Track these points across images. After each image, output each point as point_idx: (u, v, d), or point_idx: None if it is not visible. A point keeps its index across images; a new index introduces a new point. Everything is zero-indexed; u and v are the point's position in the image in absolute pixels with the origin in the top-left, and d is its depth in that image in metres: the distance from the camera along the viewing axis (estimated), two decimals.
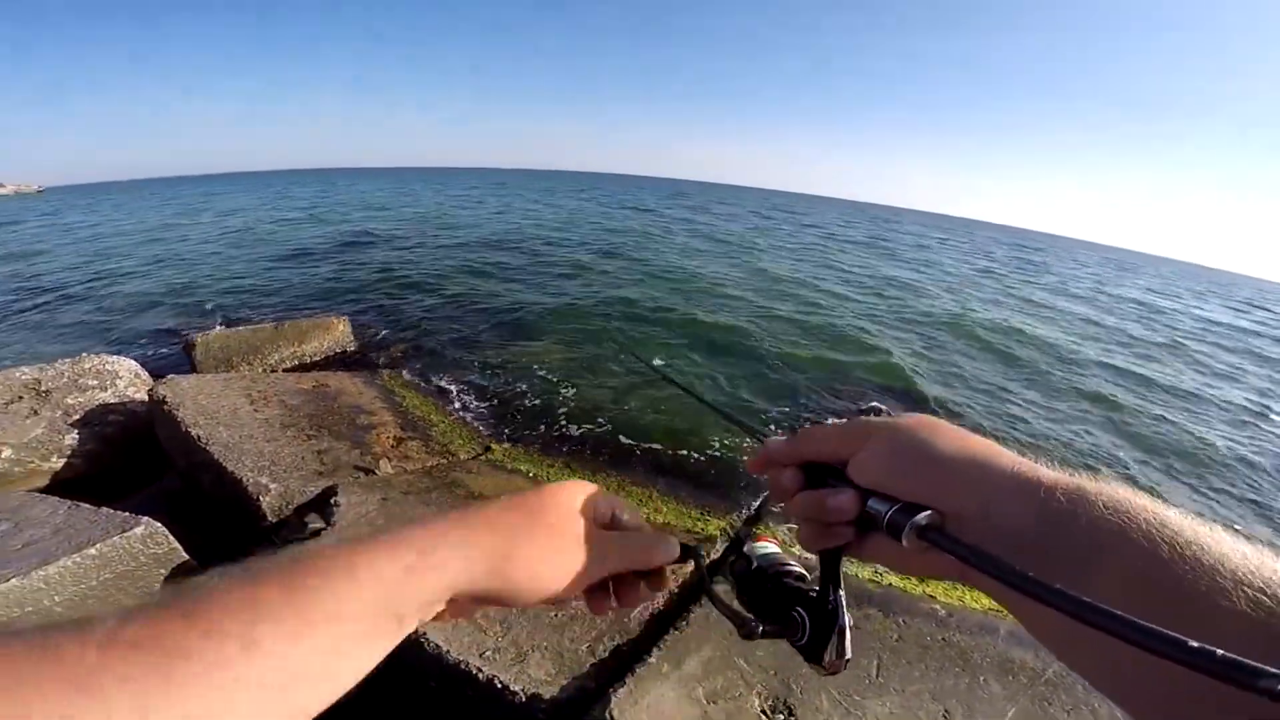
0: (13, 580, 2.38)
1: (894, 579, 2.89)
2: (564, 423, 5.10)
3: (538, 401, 5.47)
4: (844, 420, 0.49)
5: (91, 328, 8.55)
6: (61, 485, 3.68)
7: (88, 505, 2.89)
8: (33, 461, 3.74)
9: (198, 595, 0.33)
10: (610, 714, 1.81)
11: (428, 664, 2.13)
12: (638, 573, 0.54)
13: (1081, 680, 0.39)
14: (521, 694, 1.98)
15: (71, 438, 3.80)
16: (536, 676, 2.02)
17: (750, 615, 0.57)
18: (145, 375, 4.50)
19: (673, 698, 1.91)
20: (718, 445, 4.88)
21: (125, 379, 4.29)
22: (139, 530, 2.60)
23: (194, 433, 3.20)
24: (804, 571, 0.60)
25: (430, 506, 2.97)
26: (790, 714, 1.90)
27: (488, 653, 2.10)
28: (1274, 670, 0.22)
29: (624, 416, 5.30)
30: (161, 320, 8.49)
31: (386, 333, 7.37)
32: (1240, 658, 0.23)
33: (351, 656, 0.36)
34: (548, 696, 1.96)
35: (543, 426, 5.02)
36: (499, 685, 2.00)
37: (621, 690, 1.91)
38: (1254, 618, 0.28)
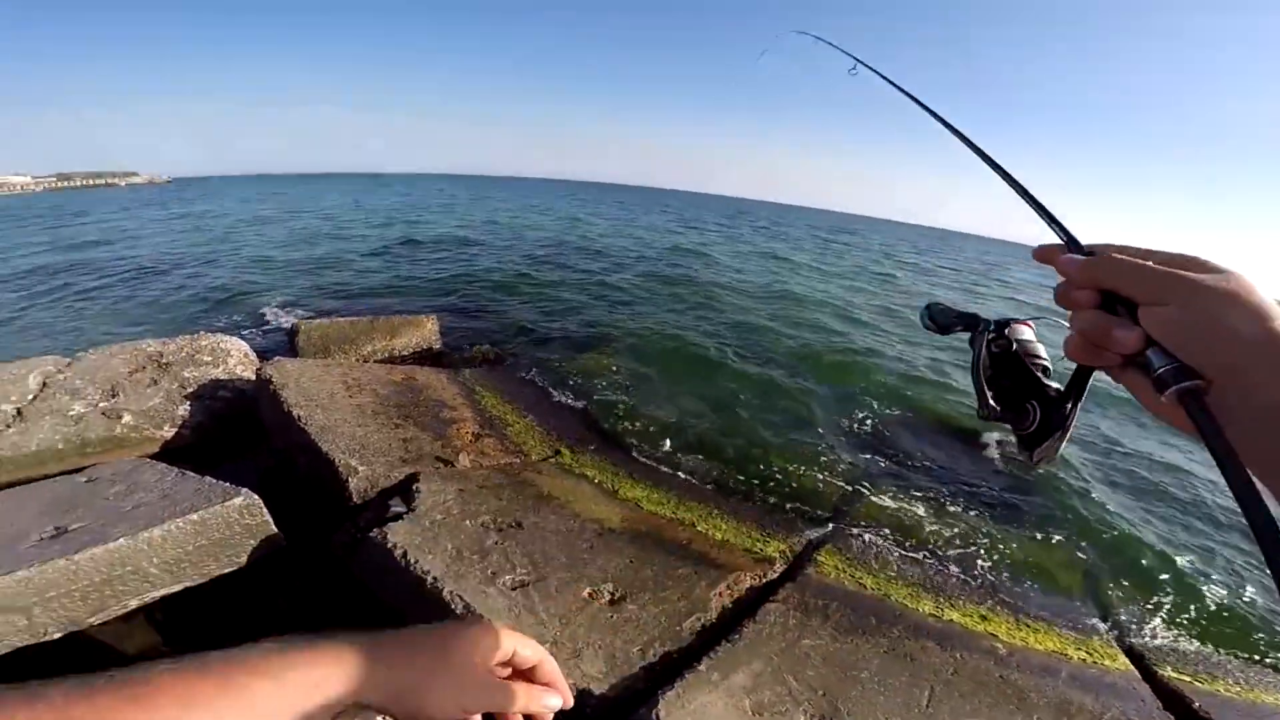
0: (121, 540, 2.55)
1: (955, 615, 2.84)
2: (632, 433, 5.17)
3: (608, 411, 5.56)
4: (1149, 262, 0.47)
5: (205, 307, 9.26)
6: (170, 453, 3.92)
7: (193, 473, 3.06)
8: (148, 429, 4.03)
9: (145, 679, 0.40)
10: (657, 714, 1.85)
11: None
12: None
13: None
14: (573, 688, 1.95)
15: (184, 409, 4.07)
16: (588, 672, 2.07)
17: (990, 397, 0.66)
18: (253, 356, 4.78)
19: (720, 705, 1.93)
20: (783, 469, 4.84)
21: (235, 358, 4.58)
22: (238, 500, 2.73)
23: (295, 413, 3.37)
24: (1050, 365, 0.65)
25: (501, 501, 3.05)
26: None
27: (547, 644, 2.05)
28: None
29: (691, 432, 5.33)
30: (269, 305, 9.08)
31: (471, 334, 7.70)
32: None
33: None
34: (597, 693, 2.00)
35: (611, 435, 5.09)
36: None
37: (669, 693, 1.94)
38: None
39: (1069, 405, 0.55)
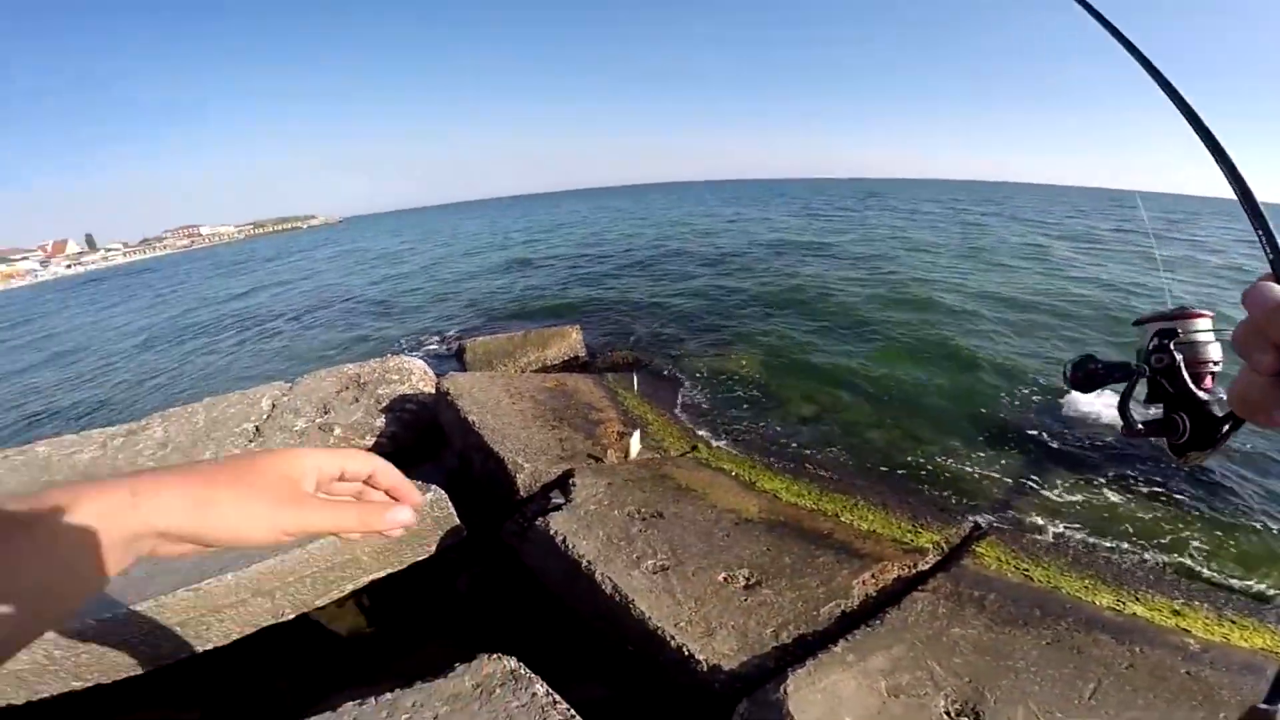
0: None
1: (1140, 609, 2.63)
2: (769, 428, 5.30)
3: (743, 407, 5.73)
4: None
5: (384, 333, 10.59)
6: None
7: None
8: (354, 439, 4.77)
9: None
10: (785, 689, 1.90)
11: (630, 628, 2.31)
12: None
13: None
14: (704, 664, 2.15)
15: (380, 421, 4.77)
16: (720, 650, 2.17)
17: (1132, 421, 0.65)
18: (431, 373, 5.47)
19: (852, 685, 1.95)
20: (935, 462, 4.71)
21: (417, 375, 5.27)
22: (429, 495, 3.17)
23: (470, 419, 3.84)
24: (1219, 367, 0.62)
25: (645, 493, 3.26)
26: (977, 718, 1.87)
27: (682, 623, 2.22)
28: None
29: (830, 427, 5.36)
30: (437, 325, 10.22)
31: (610, 340, 8.24)
32: None
33: (81, 572, 0.42)
34: (727, 669, 2.10)
35: (747, 430, 5.22)
36: (686, 653, 2.18)
37: (800, 670, 1.99)
38: None
39: (1225, 429, 0.53)
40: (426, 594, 3.37)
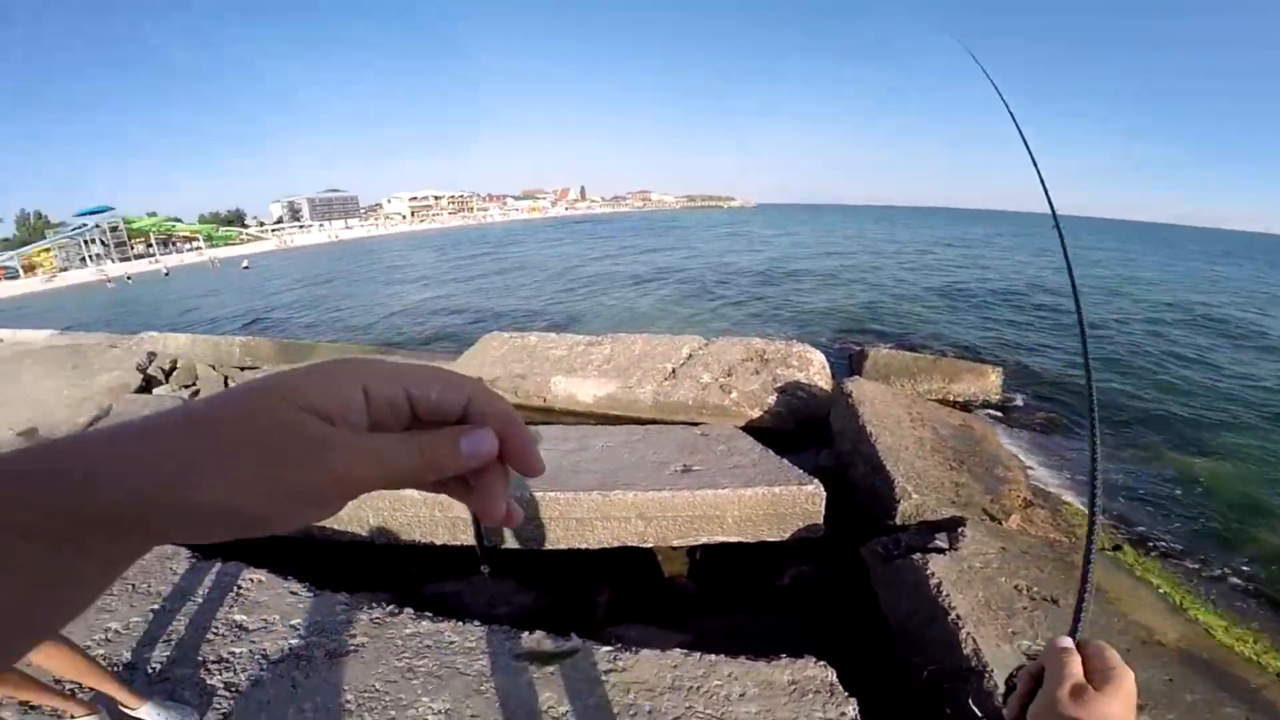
0: (725, 489, 3.21)
1: None
2: (1226, 553, 4.16)
3: (1200, 521, 4.52)
4: None
5: (780, 316, 10.97)
6: (752, 430, 4.79)
7: (773, 452, 3.68)
8: (744, 407, 5.07)
9: None
10: None
11: (972, 695, 1.91)
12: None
13: None
14: None
15: (771, 398, 4.96)
16: None
17: None
18: (828, 369, 5.45)
19: None
20: None
21: (815, 367, 5.32)
22: (809, 488, 3.16)
23: (868, 428, 3.69)
24: None
25: (1041, 573, 2.82)
26: None
27: None
28: None
29: None
30: (839, 325, 10.16)
31: (1035, 394, 7.03)
32: None
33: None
34: None
35: (1194, 548, 4.21)
36: None
37: None
38: None
39: None
40: (749, 571, 3.43)
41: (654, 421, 5.04)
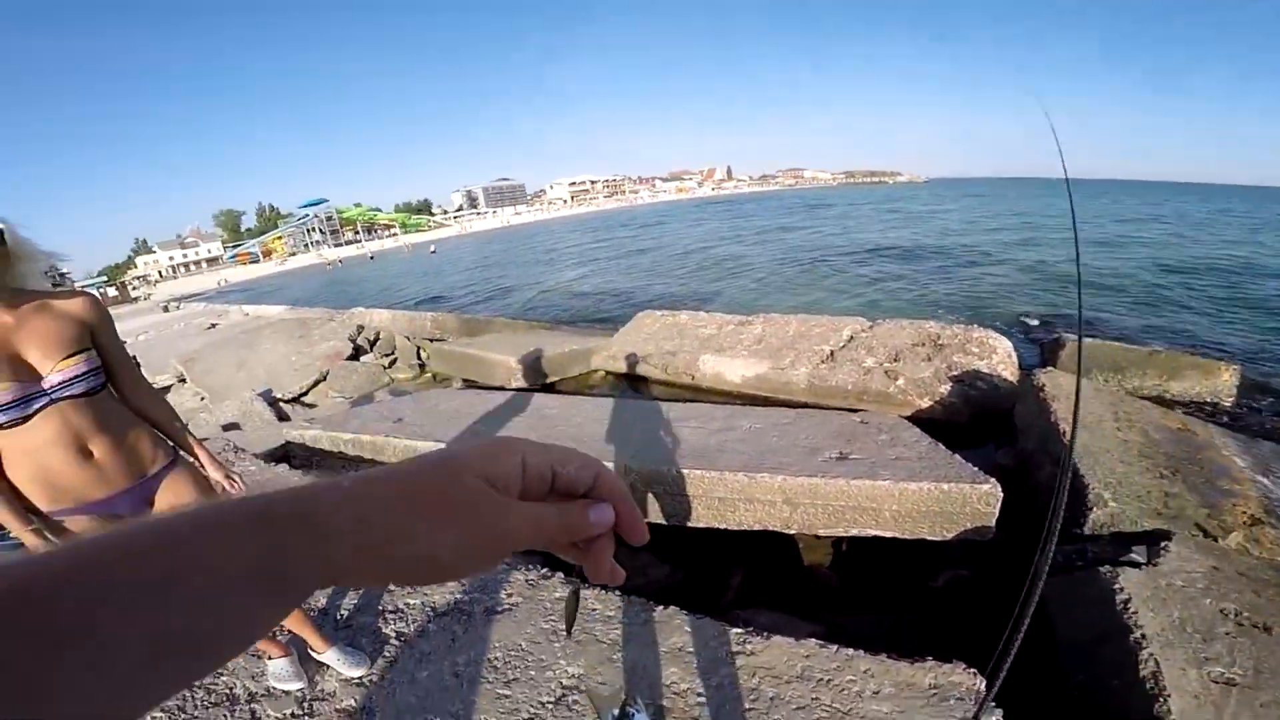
0: (884, 481, 2.97)
1: None
2: None
3: None
4: None
5: (972, 300, 9.99)
6: (921, 421, 4.41)
7: (943, 446, 3.35)
8: (912, 395, 4.68)
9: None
10: None
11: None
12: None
13: None
14: None
15: (945, 387, 4.53)
16: None
17: None
18: (1014, 358, 4.85)
19: None
20: None
21: (999, 356, 4.76)
22: (985, 488, 2.84)
23: (1062, 426, 3.24)
24: None
25: (1259, 598, 2.38)
26: None
27: None
28: None
29: None
30: (1027, 309, 9.07)
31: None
32: None
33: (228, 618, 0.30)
34: None
35: None
36: None
37: None
38: None
39: None
40: (899, 568, 3.20)
41: (806, 405, 4.84)
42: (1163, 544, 2.63)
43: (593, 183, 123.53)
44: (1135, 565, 2.54)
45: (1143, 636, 2.09)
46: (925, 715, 1.84)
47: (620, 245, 27.73)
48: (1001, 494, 2.86)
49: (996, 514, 2.90)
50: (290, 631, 2.13)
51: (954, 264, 14.33)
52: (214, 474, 1.90)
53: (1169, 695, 1.89)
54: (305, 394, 7.38)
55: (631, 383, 6.31)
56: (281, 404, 6.97)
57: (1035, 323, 8.53)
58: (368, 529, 0.33)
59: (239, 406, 6.29)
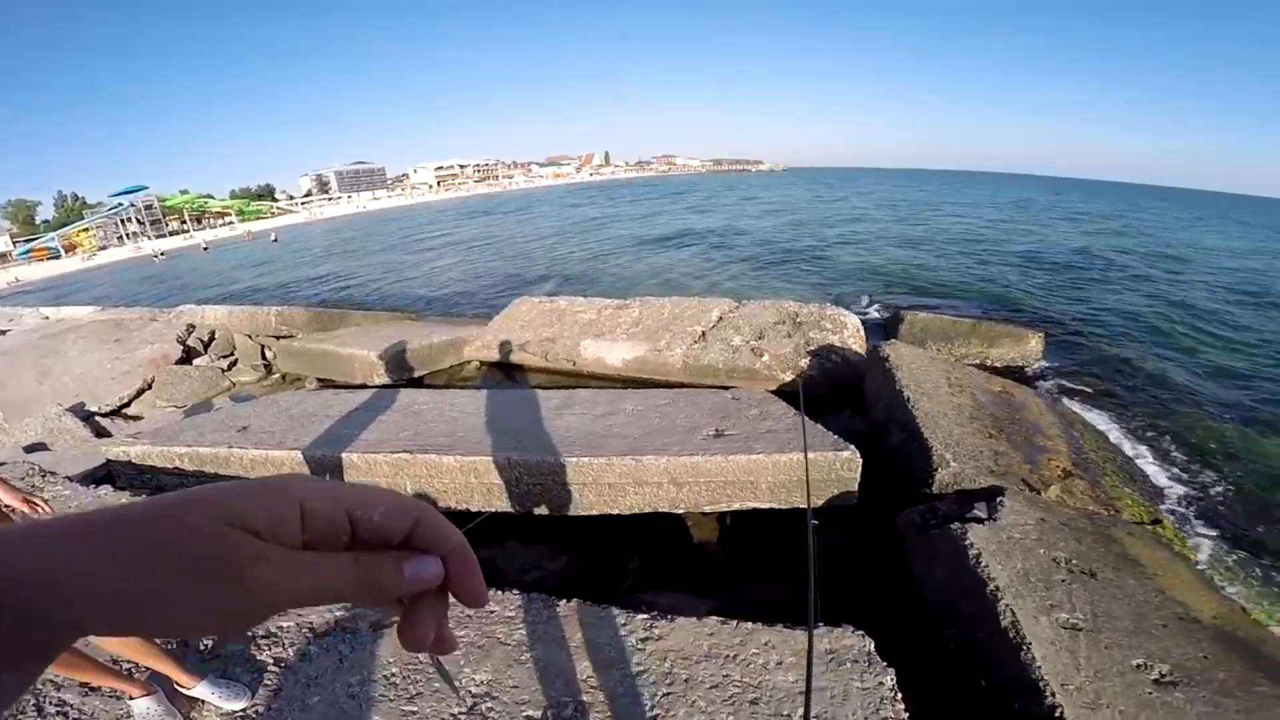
0: (759, 454, 3.13)
1: None
2: (1261, 531, 4.05)
3: (1250, 505, 4.35)
4: None
5: (822, 280, 10.75)
6: (784, 394, 4.69)
7: (807, 417, 3.58)
8: (776, 370, 4.97)
9: None
10: None
11: (1006, 667, 2.00)
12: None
13: None
14: None
15: (804, 361, 4.86)
16: None
17: None
18: (862, 331, 5.31)
19: None
20: None
21: (849, 330, 5.18)
22: (845, 454, 3.08)
23: (905, 394, 3.59)
24: None
25: (1080, 545, 2.76)
26: None
27: (1069, 687, 1.68)
28: None
29: None
30: (872, 288, 9.92)
31: (1077, 362, 6.81)
32: None
33: None
34: None
35: (1240, 528, 4.08)
36: (1058, 716, 1.65)
37: None
38: None
39: None
40: (779, 537, 3.38)
41: (684, 385, 4.99)
42: (998, 499, 2.95)
43: (462, 167, 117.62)
44: (979, 521, 2.82)
45: (997, 589, 2.31)
46: (826, 680, 1.93)
47: (486, 231, 26.92)
48: (861, 460, 3.11)
49: (858, 478, 3.14)
50: (149, 668, 1.90)
51: (805, 244, 15.39)
52: (9, 500, 1.64)
53: (1030, 644, 2.08)
54: (128, 405, 6.51)
55: (509, 372, 6.17)
56: (99, 418, 6.09)
57: (866, 300, 9.40)
58: (124, 591, 0.27)
59: (43, 424, 5.42)
